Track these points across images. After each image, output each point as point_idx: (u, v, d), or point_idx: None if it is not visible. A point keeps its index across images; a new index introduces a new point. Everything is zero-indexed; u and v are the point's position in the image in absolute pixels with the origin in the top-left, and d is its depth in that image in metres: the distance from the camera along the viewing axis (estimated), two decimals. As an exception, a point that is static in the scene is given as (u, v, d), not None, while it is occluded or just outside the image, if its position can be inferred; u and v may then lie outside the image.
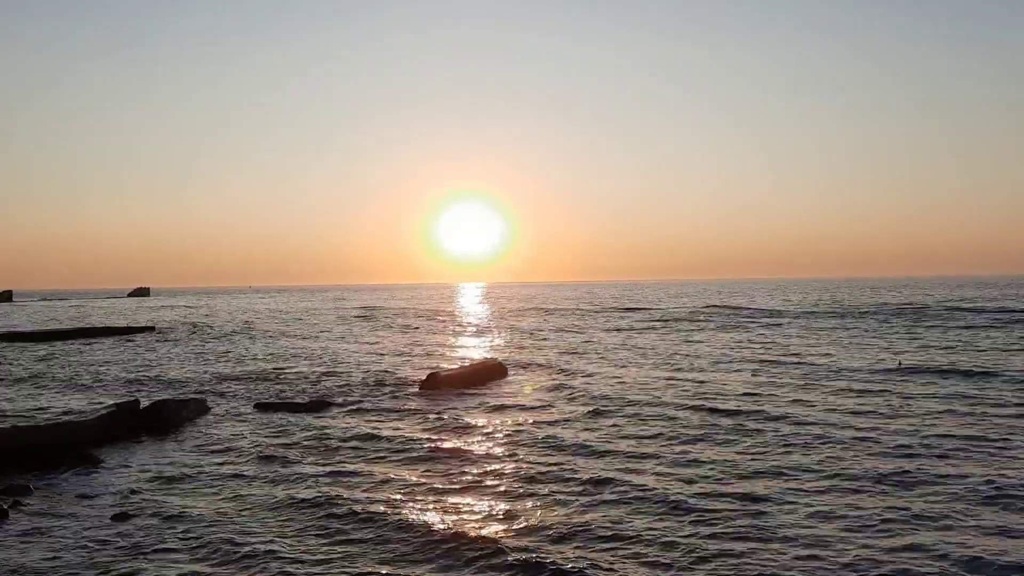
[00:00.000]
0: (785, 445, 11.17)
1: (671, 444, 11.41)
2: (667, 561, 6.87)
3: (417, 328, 42.72)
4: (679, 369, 20.62)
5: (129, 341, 34.19)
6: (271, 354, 27.55)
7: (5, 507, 8.62)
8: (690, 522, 7.87)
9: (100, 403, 16.02)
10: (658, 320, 43.82)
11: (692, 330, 35.58)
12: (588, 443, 11.55)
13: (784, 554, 6.95)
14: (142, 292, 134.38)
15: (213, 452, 11.68)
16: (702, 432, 12.20)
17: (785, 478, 9.43)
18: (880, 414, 13.42)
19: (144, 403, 14.18)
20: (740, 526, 7.69)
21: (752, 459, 10.40)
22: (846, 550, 7.01)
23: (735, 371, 19.79)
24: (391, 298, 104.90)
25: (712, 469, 9.94)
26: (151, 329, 40.55)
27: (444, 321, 49.80)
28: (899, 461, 10.06)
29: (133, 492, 9.46)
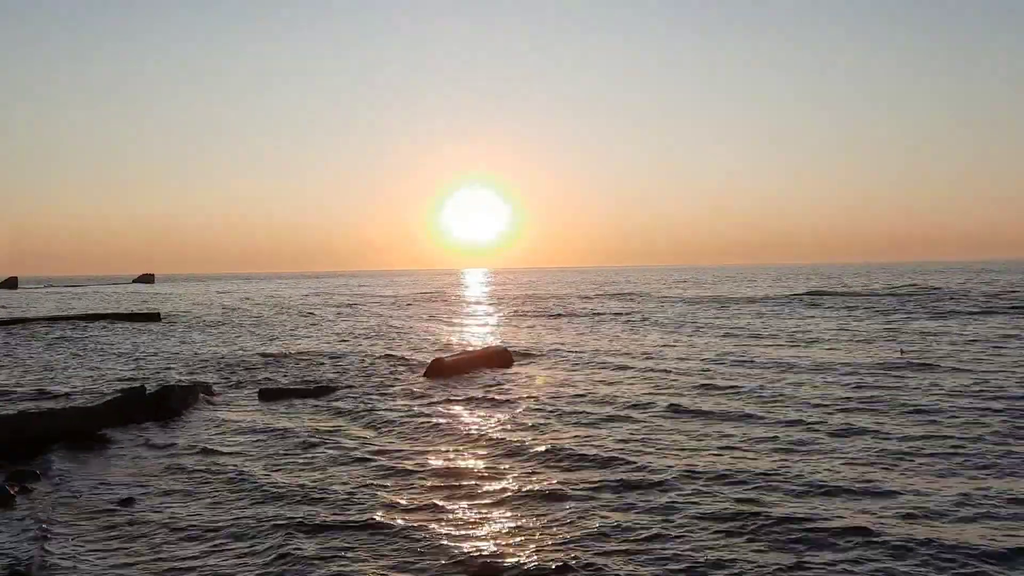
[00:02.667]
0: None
1: (674, 436, 11.39)
2: (673, 560, 6.86)
3: (422, 314, 42.73)
4: (687, 357, 20.59)
5: (134, 327, 34.28)
6: (275, 340, 27.60)
7: (12, 493, 8.64)
8: (700, 520, 7.85)
9: (106, 389, 16.07)
10: (661, 307, 43.76)
11: (699, 316, 35.54)
12: (590, 433, 11.55)
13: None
14: (147, 279, 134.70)
15: (219, 438, 11.70)
16: (705, 426, 12.20)
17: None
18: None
19: (150, 389, 14.20)
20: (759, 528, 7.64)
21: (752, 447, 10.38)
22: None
23: (739, 365, 19.75)
24: (396, 284, 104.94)
25: (713, 465, 9.92)
26: (156, 315, 40.64)
27: (449, 307, 49.81)
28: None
29: (139, 478, 9.49)
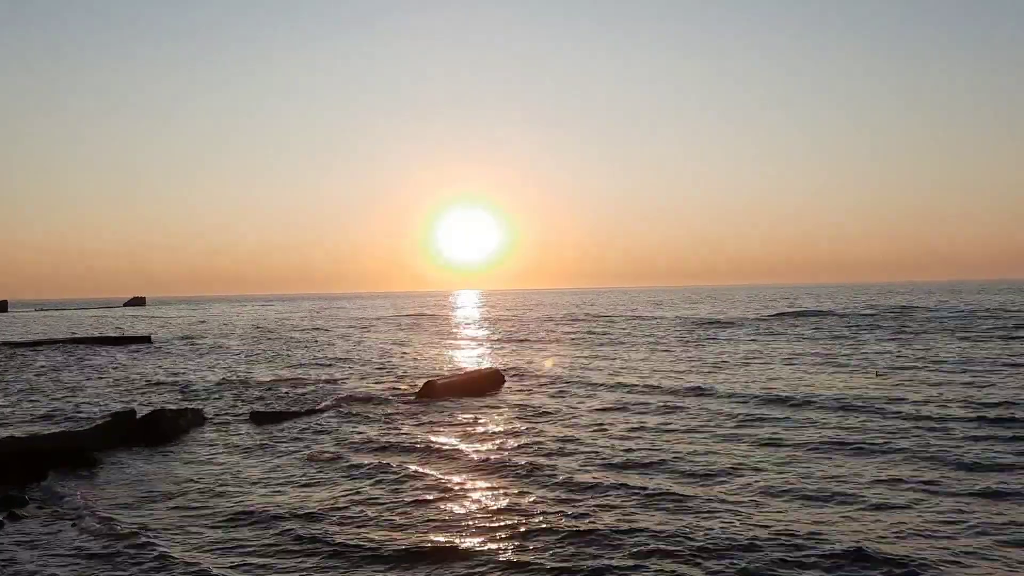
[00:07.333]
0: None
1: (667, 454, 11.40)
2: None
3: (413, 337, 42.66)
4: (675, 379, 20.63)
5: (125, 351, 34.10)
6: (266, 363, 27.49)
7: (0, 518, 8.58)
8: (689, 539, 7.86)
9: (96, 413, 15.99)
10: (652, 327, 43.83)
11: (684, 342, 35.61)
12: (585, 454, 11.53)
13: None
14: (138, 302, 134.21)
15: (209, 462, 11.64)
16: (695, 441, 12.21)
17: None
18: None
19: (140, 413, 14.14)
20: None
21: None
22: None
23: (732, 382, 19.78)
24: (389, 307, 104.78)
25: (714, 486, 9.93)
26: (147, 339, 40.46)
27: (441, 329, 49.75)
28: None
29: (128, 504, 9.43)
